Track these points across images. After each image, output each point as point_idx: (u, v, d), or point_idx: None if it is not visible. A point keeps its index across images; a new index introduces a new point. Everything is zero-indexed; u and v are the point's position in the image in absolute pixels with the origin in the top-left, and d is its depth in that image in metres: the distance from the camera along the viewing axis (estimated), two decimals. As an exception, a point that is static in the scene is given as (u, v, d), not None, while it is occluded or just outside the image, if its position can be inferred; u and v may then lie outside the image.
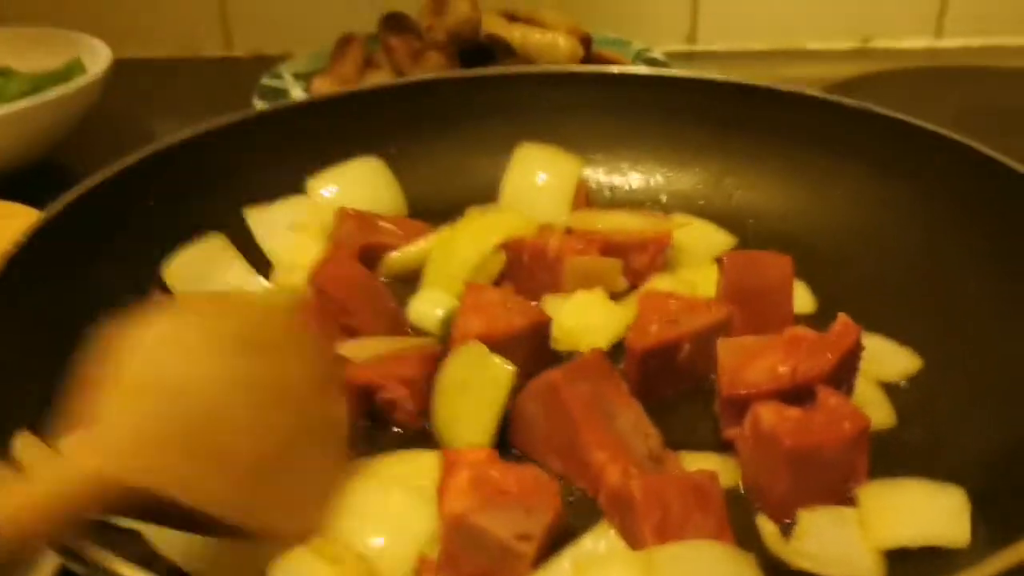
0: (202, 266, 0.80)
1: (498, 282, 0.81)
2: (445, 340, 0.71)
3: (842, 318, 0.66)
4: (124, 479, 0.43)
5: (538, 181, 0.89)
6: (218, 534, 0.49)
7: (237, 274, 0.81)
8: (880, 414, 0.68)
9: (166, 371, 0.47)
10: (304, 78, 1.21)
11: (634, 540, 0.57)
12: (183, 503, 0.44)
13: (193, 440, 0.46)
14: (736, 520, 0.58)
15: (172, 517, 0.47)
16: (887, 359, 0.73)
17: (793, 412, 0.60)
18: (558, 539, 0.57)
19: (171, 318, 0.51)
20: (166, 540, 0.56)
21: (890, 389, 0.71)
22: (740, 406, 0.63)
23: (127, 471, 0.43)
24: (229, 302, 0.60)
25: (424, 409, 0.67)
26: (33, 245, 0.69)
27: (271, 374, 0.51)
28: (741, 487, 0.63)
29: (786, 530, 0.60)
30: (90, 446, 0.44)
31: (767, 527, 0.60)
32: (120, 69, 1.16)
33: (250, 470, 0.47)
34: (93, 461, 0.43)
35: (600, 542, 0.57)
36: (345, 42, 1.24)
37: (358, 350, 0.70)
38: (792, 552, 0.58)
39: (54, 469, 0.43)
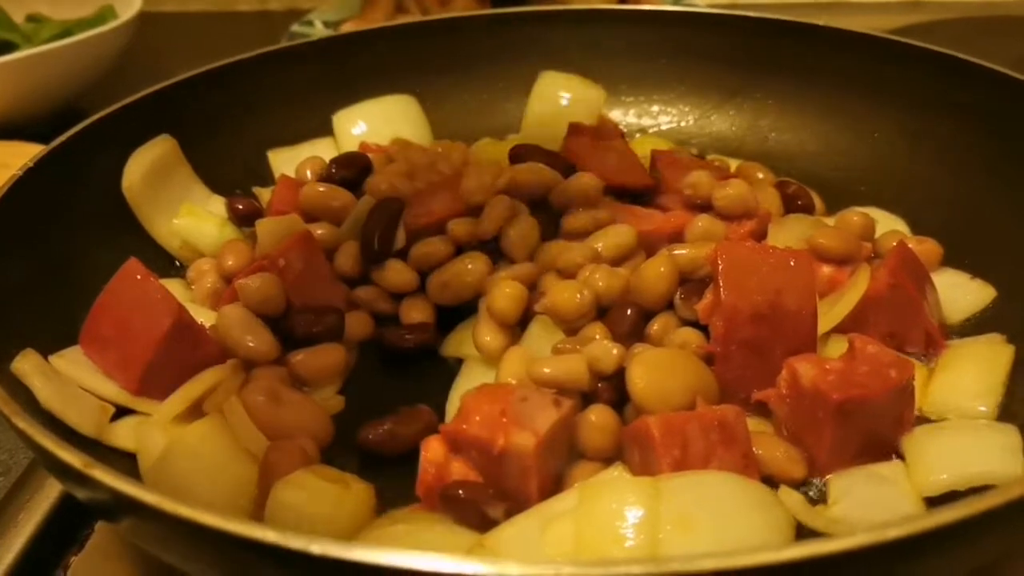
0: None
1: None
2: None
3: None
4: None
5: (559, 108, 0.87)
6: None
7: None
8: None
9: None
10: (334, 26, 1.19)
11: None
12: None
13: None
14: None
15: None
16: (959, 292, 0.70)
17: (834, 364, 0.57)
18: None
19: None
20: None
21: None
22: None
23: None
24: None
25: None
26: (41, 172, 0.68)
27: None
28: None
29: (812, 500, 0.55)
30: None
31: (791, 497, 0.54)
32: (154, 23, 1.15)
33: None
34: None
35: (611, 471, 0.55)
36: (376, -11, 1.22)
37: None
38: (826, 521, 0.53)
39: None
